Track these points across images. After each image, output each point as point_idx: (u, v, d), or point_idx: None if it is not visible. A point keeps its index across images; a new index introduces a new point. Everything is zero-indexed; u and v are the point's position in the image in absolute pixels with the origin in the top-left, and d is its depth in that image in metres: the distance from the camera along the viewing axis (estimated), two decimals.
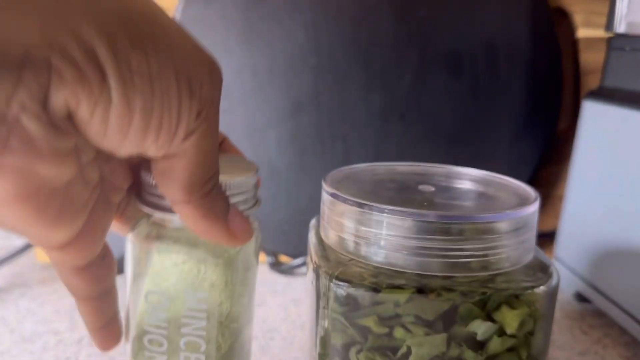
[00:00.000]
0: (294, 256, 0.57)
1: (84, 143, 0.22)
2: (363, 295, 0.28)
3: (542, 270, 0.30)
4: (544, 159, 0.59)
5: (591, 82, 0.59)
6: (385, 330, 0.28)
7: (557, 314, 0.49)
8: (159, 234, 0.28)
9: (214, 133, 0.25)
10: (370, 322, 0.29)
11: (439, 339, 0.28)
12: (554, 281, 0.29)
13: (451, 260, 0.28)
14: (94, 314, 0.29)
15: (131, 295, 0.29)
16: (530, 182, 0.57)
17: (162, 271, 0.28)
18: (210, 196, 0.25)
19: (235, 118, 0.54)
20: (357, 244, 0.29)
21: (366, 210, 0.29)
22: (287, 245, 0.57)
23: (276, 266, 0.57)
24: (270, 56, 0.54)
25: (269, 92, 0.54)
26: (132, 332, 0.30)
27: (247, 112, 0.55)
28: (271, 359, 0.42)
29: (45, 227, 0.22)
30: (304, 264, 0.56)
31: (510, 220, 0.28)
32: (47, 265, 0.57)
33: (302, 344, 0.44)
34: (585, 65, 0.59)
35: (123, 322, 0.30)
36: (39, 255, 0.57)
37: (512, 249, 0.29)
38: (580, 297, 0.50)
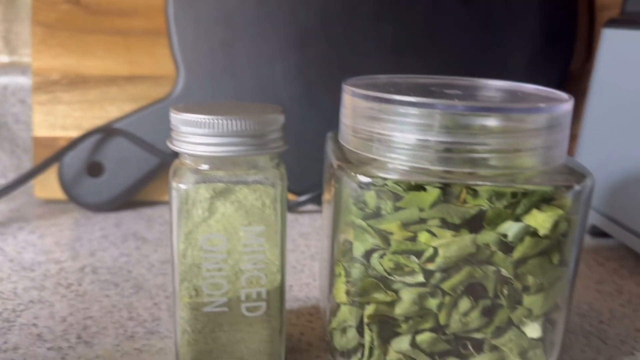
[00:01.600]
0: (300, 193, 0.55)
1: None
2: (385, 197, 0.27)
3: (574, 173, 0.28)
4: None
5: (606, 18, 0.57)
6: (409, 234, 0.27)
7: None
8: (204, 178, 0.28)
9: None
10: (394, 227, 0.27)
11: (468, 239, 0.27)
12: (588, 183, 0.28)
13: (475, 155, 0.26)
14: None
15: (182, 244, 0.28)
16: None
17: (216, 214, 0.28)
18: None
19: (239, 49, 0.52)
20: (378, 142, 0.28)
21: (388, 105, 0.27)
22: (293, 181, 0.55)
23: None
24: None
25: (275, 21, 0.52)
26: (184, 282, 0.29)
27: (252, 43, 0.52)
28: None
29: None
30: (309, 200, 0.54)
31: (543, 114, 0.27)
32: (46, 202, 0.55)
33: (312, 272, 0.43)
34: (600, 1, 0.57)
35: (174, 281, 0.29)
36: (38, 190, 0.55)
37: (543, 147, 0.27)
38: (595, 232, 0.49)
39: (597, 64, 0.49)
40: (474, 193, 0.26)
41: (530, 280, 0.27)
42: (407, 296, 0.28)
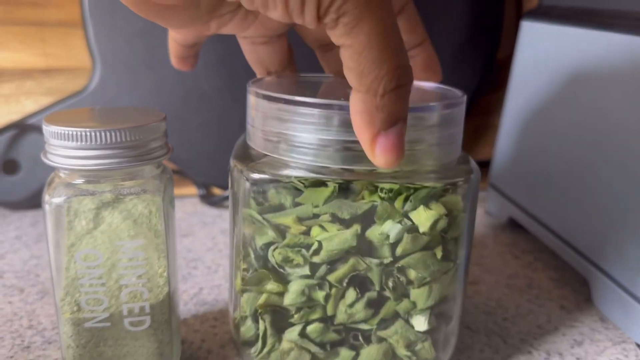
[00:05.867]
0: (225, 188, 0.54)
1: None
2: (283, 193, 0.27)
3: (464, 170, 0.29)
4: (483, 87, 0.57)
5: (532, 6, 0.57)
6: (303, 228, 0.27)
7: (490, 240, 0.49)
8: (81, 192, 0.26)
9: (377, 18, 0.21)
10: (289, 221, 0.27)
11: (349, 233, 0.27)
12: (474, 181, 0.28)
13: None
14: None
15: (58, 261, 0.27)
16: (468, 109, 0.56)
17: (102, 225, 0.27)
18: (379, 98, 0.22)
19: (157, 39, 0.51)
20: (277, 141, 0.27)
21: (287, 105, 0.27)
22: (218, 176, 0.54)
23: (206, 198, 0.54)
24: None
25: None
26: (64, 299, 0.28)
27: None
28: (193, 286, 0.40)
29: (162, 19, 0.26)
30: None
31: (434, 113, 0.27)
32: None
33: (226, 272, 0.42)
34: None
35: (55, 295, 0.28)
36: None
37: (435, 145, 0.27)
38: (513, 223, 0.50)
39: (516, 55, 0.49)
40: (374, 189, 0.27)
41: (413, 274, 0.28)
42: (295, 287, 0.28)
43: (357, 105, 0.23)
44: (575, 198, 0.40)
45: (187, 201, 0.55)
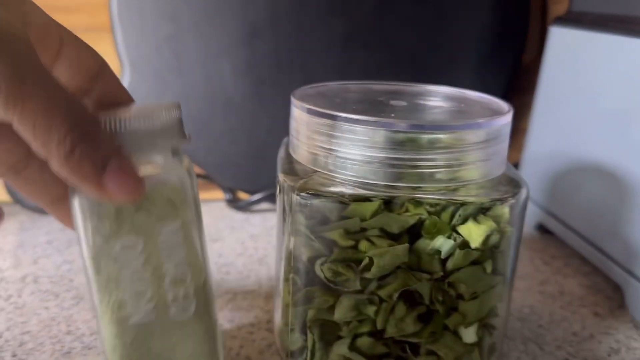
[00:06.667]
0: (252, 192, 0.55)
1: None
2: (329, 207, 0.27)
3: (511, 184, 0.29)
4: (510, 91, 0.57)
5: (559, 11, 0.57)
6: (350, 243, 0.28)
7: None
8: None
9: (36, 107, 0.22)
10: (336, 236, 0.27)
11: (401, 249, 0.27)
12: (522, 195, 0.28)
13: (419, 170, 0.27)
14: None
15: (94, 259, 0.27)
16: None
17: (127, 220, 0.26)
18: (73, 157, 0.23)
19: (186, 45, 0.51)
20: (324, 156, 0.28)
21: (333, 121, 0.27)
22: (245, 181, 0.55)
23: (233, 203, 0.55)
24: None
25: (223, 16, 0.51)
26: (103, 299, 0.27)
27: (199, 39, 0.51)
28: (226, 292, 0.40)
29: None
30: (262, 199, 0.54)
31: (481, 130, 0.27)
32: None
33: (259, 278, 0.42)
34: None
35: (92, 298, 0.28)
36: None
37: (482, 161, 0.27)
38: (542, 229, 0.50)
39: (545, 61, 0.49)
40: (417, 202, 0.27)
41: (463, 288, 0.28)
42: (346, 302, 0.28)
43: (62, 171, 0.23)
44: (606, 203, 0.40)
45: (214, 205, 0.55)
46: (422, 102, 0.32)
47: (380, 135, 0.26)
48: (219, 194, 0.56)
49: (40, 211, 0.52)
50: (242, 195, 0.56)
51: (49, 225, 0.50)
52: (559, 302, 0.40)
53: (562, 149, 0.46)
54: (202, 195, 0.56)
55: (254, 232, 0.50)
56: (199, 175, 0.54)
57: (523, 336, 0.36)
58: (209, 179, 0.55)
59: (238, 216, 0.54)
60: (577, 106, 0.44)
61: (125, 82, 0.51)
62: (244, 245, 0.48)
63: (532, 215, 0.50)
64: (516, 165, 0.54)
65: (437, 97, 0.33)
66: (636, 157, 0.38)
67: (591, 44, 0.43)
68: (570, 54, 0.46)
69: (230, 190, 0.55)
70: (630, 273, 0.38)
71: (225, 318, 0.37)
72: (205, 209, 0.54)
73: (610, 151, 0.40)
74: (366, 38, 0.52)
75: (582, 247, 0.43)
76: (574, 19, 0.46)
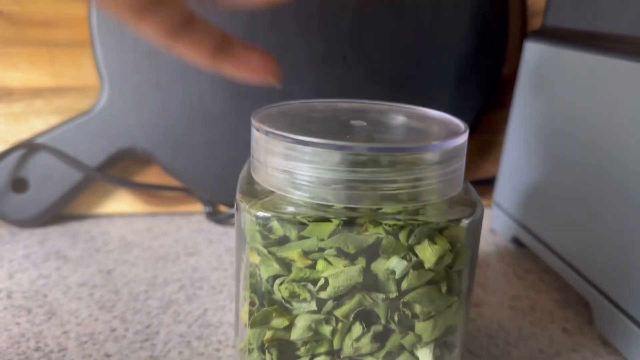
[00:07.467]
0: (232, 205, 0.55)
1: None
2: (287, 227, 0.27)
3: (466, 204, 0.29)
4: (489, 105, 0.57)
5: (538, 24, 0.57)
6: (308, 262, 0.28)
7: (494, 259, 0.49)
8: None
9: None
10: (294, 255, 0.28)
11: (355, 269, 0.27)
12: (477, 215, 0.28)
13: (379, 192, 0.27)
14: None
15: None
16: (473, 127, 0.56)
17: None
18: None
19: (164, 60, 0.51)
20: (283, 178, 0.28)
21: (289, 143, 0.27)
22: (225, 194, 0.55)
23: (213, 215, 0.55)
24: None
25: None
26: None
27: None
28: (197, 307, 0.41)
29: None
30: None
31: (436, 151, 0.27)
32: None
33: (231, 293, 0.43)
34: (532, 6, 0.57)
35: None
36: None
37: (438, 181, 0.28)
38: (518, 242, 0.50)
39: (520, 75, 0.49)
40: (377, 222, 0.27)
41: (418, 308, 0.28)
42: (302, 323, 0.28)
43: None
44: (579, 220, 0.40)
45: (193, 218, 0.56)
46: (383, 120, 0.32)
47: (334, 156, 0.26)
48: (198, 207, 0.56)
49: (19, 224, 0.52)
50: (222, 209, 0.56)
51: (28, 238, 0.50)
52: (529, 318, 0.40)
53: (537, 164, 0.46)
54: (182, 208, 0.57)
55: (231, 246, 0.50)
56: (177, 188, 0.55)
57: (489, 353, 0.36)
58: (188, 191, 0.55)
59: (217, 229, 0.54)
60: (551, 121, 0.44)
61: (104, 96, 0.52)
62: (220, 259, 0.48)
63: (508, 228, 0.50)
64: (493, 179, 0.54)
65: (400, 115, 0.33)
66: (609, 175, 0.38)
67: (562, 60, 0.43)
68: (543, 68, 0.46)
69: (210, 203, 0.56)
70: (598, 290, 0.38)
71: (193, 334, 0.37)
72: (183, 222, 0.55)
73: (584, 168, 0.40)
74: (344, 53, 0.53)
75: (554, 262, 0.43)
76: (547, 34, 0.46)
